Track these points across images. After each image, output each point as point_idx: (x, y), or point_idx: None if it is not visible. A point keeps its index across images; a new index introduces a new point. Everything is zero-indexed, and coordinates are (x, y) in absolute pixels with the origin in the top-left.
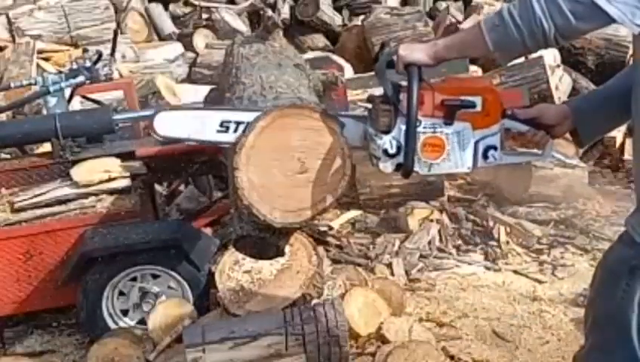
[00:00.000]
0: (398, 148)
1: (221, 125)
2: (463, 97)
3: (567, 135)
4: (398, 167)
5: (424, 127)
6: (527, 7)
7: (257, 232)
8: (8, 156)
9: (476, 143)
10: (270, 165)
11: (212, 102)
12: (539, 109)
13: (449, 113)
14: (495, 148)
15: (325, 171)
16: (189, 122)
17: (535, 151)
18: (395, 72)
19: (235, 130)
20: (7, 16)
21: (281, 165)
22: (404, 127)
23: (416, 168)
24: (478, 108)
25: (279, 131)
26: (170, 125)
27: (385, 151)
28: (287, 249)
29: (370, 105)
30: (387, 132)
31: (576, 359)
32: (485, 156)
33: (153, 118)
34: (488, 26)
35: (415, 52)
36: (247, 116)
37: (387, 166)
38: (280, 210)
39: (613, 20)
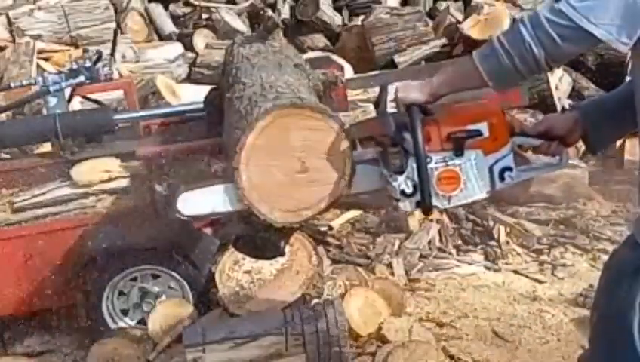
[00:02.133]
0: (414, 186)
1: None
2: (468, 127)
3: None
4: (418, 205)
5: (435, 163)
6: (515, 35)
7: (257, 232)
8: (8, 156)
9: (490, 168)
10: (270, 165)
11: (212, 102)
12: (547, 122)
13: (457, 145)
14: (510, 168)
15: (325, 171)
16: (211, 198)
17: (551, 161)
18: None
19: None
20: (7, 16)
21: (281, 165)
22: (415, 166)
23: (436, 203)
24: (486, 134)
25: (279, 131)
26: (193, 205)
27: (402, 192)
28: (287, 249)
29: (380, 148)
30: (401, 172)
31: (580, 361)
32: (502, 178)
33: (176, 199)
34: (480, 57)
35: (412, 92)
36: None
37: (407, 205)
38: (280, 209)
39: (600, 41)
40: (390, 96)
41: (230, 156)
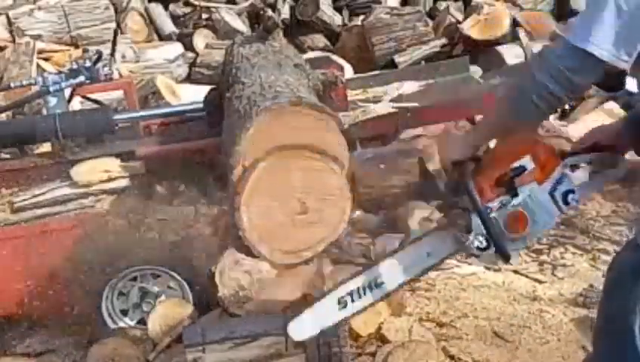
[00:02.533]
0: (487, 240)
1: (339, 303)
2: (512, 166)
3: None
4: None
5: (496, 211)
6: (530, 78)
7: None
8: (8, 156)
9: (552, 194)
10: (271, 206)
11: (212, 102)
12: (592, 135)
13: (508, 186)
14: (572, 191)
15: (326, 212)
16: (314, 318)
17: (610, 171)
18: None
19: (353, 300)
20: (7, 16)
21: (282, 206)
22: (480, 221)
23: (513, 248)
24: (530, 166)
25: (280, 172)
26: (302, 329)
27: (478, 248)
28: None
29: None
30: (469, 231)
31: None
32: (566, 202)
33: (287, 329)
34: (506, 104)
35: (454, 150)
36: (354, 283)
37: (488, 258)
38: (280, 251)
39: (603, 62)
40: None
41: (231, 196)
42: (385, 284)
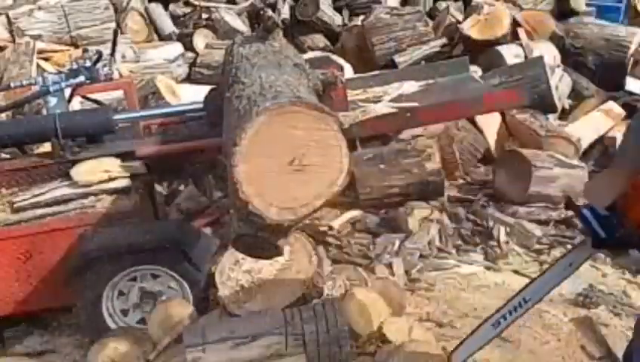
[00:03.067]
0: None
1: (494, 325)
2: None
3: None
4: None
5: None
6: None
7: (256, 232)
8: (8, 156)
9: None
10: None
11: (212, 102)
12: None
13: None
14: None
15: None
16: (473, 342)
17: None
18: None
19: (505, 319)
20: (7, 16)
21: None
22: None
23: None
24: None
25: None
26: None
27: None
28: (287, 249)
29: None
30: None
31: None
32: None
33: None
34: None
35: (604, 195)
36: (507, 308)
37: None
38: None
39: None
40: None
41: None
42: (530, 300)
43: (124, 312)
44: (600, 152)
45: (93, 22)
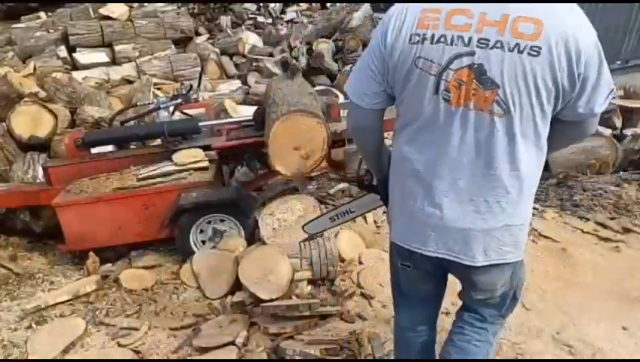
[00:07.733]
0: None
1: (331, 219)
2: None
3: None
4: None
5: None
6: None
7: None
8: (134, 147)
9: None
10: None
11: (258, 115)
12: None
13: None
14: None
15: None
16: (318, 224)
17: None
18: None
19: (338, 218)
20: (136, 63)
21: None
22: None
23: None
24: None
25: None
26: (312, 229)
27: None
28: (300, 206)
29: None
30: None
31: None
32: None
33: (303, 227)
34: None
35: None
36: (340, 209)
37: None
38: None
39: None
40: None
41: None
42: (354, 212)
43: (203, 242)
44: None
45: (186, 67)
